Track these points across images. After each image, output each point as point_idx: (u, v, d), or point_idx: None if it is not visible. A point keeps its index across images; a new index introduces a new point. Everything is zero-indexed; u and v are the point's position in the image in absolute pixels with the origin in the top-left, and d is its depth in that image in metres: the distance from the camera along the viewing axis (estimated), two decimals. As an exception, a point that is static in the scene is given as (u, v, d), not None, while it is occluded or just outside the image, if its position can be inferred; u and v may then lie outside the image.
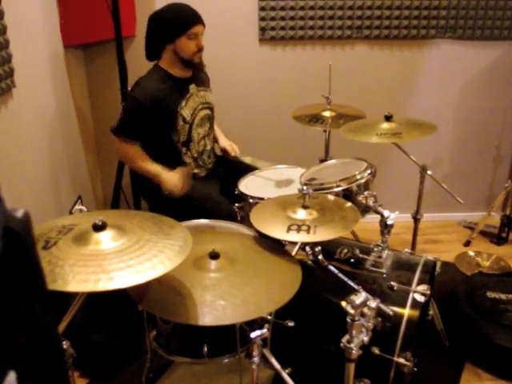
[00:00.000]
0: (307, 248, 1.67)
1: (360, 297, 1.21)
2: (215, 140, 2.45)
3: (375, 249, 1.71)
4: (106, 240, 1.14)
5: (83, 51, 2.74)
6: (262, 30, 2.77)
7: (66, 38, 2.40)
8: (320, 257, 1.64)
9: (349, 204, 1.62)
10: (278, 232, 1.43)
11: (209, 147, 2.31)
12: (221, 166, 2.41)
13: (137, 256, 1.10)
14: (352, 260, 1.72)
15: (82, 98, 2.71)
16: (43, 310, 0.61)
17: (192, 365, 1.75)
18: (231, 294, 1.24)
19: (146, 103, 2.04)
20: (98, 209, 2.90)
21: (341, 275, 1.55)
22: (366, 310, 1.22)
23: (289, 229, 1.43)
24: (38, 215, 1.88)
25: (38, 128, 2.11)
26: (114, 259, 1.08)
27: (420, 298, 1.53)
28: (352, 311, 1.20)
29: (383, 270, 1.65)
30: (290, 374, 1.34)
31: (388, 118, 2.06)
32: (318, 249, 1.64)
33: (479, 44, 2.88)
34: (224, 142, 2.42)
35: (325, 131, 2.54)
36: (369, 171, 1.82)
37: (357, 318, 1.21)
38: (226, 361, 1.38)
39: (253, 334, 1.21)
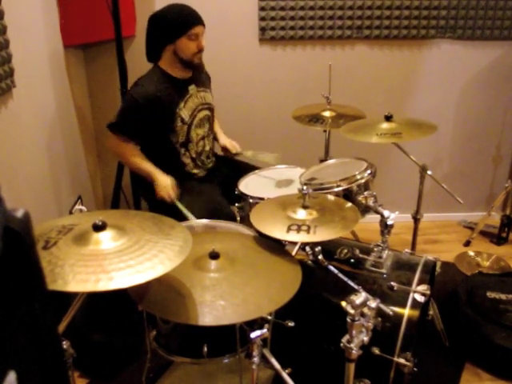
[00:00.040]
0: (307, 248, 1.67)
1: (360, 297, 1.21)
2: (215, 139, 2.45)
3: (375, 249, 1.71)
4: (106, 240, 1.14)
5: (83, 51, 2.74)
6: (262, 30, 2.77)
7: (65, 38, 2.40)
8: (320, 257, 1.64)
9: (349, 204, 1.62)
10: (278, 232, 1.43)
11: (208, 148, 2.31)
12: (221, 166, 2.41)
13: (137, 256, 1.10)
14: (352, 260, 1.72)
15: (82, 98, 2.71)
16: (43, 310, 0.61)
17: (192, 365, 1.75)
18: (231, 293, 1.24)
19: (143, 102, 2.04)
20: (98, 209, 2.90)
21: (341, 275, 1.55)
22: (366, 310, 1.22)
23: (289, 229, 1.43)
24: (38, 215, 1.88)
25: (37, 128, 2.11)
26: (114, 259, 1.08)
27: (420, 298, 1.53)
28: (352, 311, 1.20)
29: (383, 270, 1.65)
30: (290, 374, 1.35)
31: (388, 118, 2.06)
32: (318, 249, 1.64)
33: (479, 44, 2.89)
34: (224, 140, 2.42)
35: (325, 131, 2.54)
36: (369, 171, 1.82)
37: (357, 318, 1.21)
38: (226, 361, 1.38)
39: (253, 334, 1.21)
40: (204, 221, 1.81)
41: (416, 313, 1.51)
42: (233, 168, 2.38)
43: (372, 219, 1.84)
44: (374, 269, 1.66)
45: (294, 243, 1.61)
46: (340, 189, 1.75)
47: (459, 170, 3.17)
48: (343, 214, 1.54)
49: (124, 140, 2.12)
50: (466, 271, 2.64)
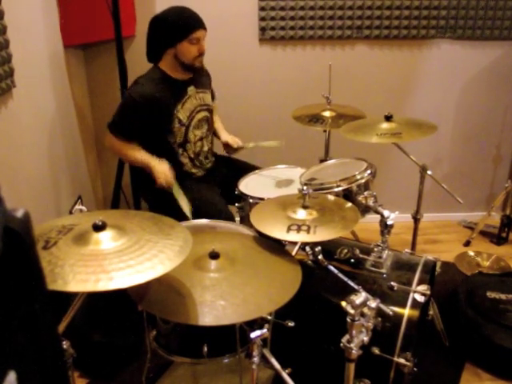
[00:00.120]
0: (307, 248, 1.67)
1: (360, 297, 1.21)
2: (217, 136, 2.45)
3: (375, 249, 1.71)
4: (106, 240, 1.14)
5: (83, 51, 2.74)
6: (262, 30, 2.77)
7: (65, 38, 2.39)
8: (320, 257, 1.64)
9: (349, 204, 1.62)
10: (278, 232, 1.43)
11: (206, 148, 2.31)
12: (221, 166, 2.41)
13: (137, 256, 1.10)
14: (352, 260, 1.72)
15: (82, 98, 2.71)
16: (43, 310, 0.61)
17: (192, 365, 1.75)
18: (231, 294, 1.24)
19: (140, 101, 2.04)
20: (98, 209, 2.90)
21: (341, 275, 1.55)
22: (366, 310, 1.22)
23: (289, 229, 1.43)
24: (38, 215, 1.88)
25: (37, 128, 2.11)
26: (114, 259, 1.08)
27: (420, 298, 1.53)
28: (352, 311, 1.20)
29: (383, 270, 1.65)
30: (290, 374, 1.34)
31: (388, 118, 2.06)
32: (318, 249, 1.64)
33: (479, 44, 2.89)
34: (225, 136, 2.41)
35: (325, 131, 2.54)
36: (369, 171, 1.82)
37: (357, 318, 1.21)
38: (226, 361, 1.38)
39: (253, 334, 1.21)
40: (204, 221, 1.81)
41: (416, 313, 1.51)
42: (233, 168, 2.38)
43: (372, 219, 1.84)
44: (373, 269, 1.66)
45: (294, 243, 1.62)
46: (340, 189, 1.75)
47: (459, 170, 3.17)
48: (343, 213, 1.54)
49: (120, 139, 2.12)
50: (466, 271, 2.64)
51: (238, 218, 2.06)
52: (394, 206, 1.83)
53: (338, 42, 2.84)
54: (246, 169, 2.29)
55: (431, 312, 2.05)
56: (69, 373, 1.29)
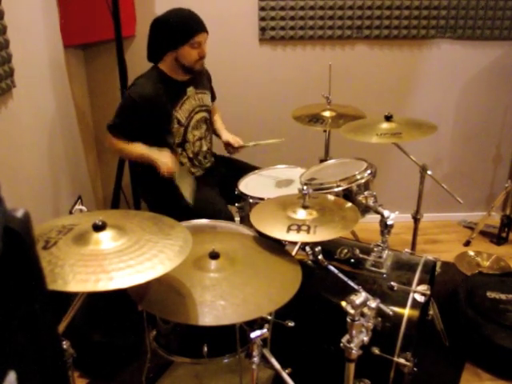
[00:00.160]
0: (307, 248, 1.67)
1: (360, 297, 1.21)
2: (218, 135, 2.45)
3: (375, 249, 1.71)
4: (106, 240, 1.14)
5: (83, 51, 2.74)
6: (262, 30, 2.77)
7: (65, 38, 2.40)
8: (320, 257, 1.64)
9: (349, 204, 1.62)
10: (278, 232, 1.43)
11: (205, 148, 2.31)
12: (220, 166, 2.41)
13: (137, 256, 1.10)
14: (352, 260, 1.72)
15: (82, 98, 2.72)
16: (43, 310, 0.61)
17: (192, 365, 1.75)
18: (231, 293, 1.24)
19: (139, 102, 2.04)
20: (98, 209, 2.90)
21: (341, 275, 1.55)
22: (366, 310, 1.22)
23: (289, 229, 1.43)
24: (37, 215, 1.88)
25: (37, 128, 2.11)
26: (114, 259, 1.08)
27: (420, 298, 1.53)
28: (352, 311, 1.20)
29: (383, 270, 1.65)
30: (290, 374, 1.34)
31: (388, 118, 2.06)
32: (318, 249, 1.64)
33: (479, 44, 2.89)
34: (227, 135, 2.41)
35: (325, 131, 2.54)
36: (369, 171, 1.82)
37: (357, 318, 1.21)
38: (226, 361, 1.38)
39: (253, 334, 1.21)
40: (204, 221, 1.81)
41: (416, 313, 1.51)
42: (232, 168, 2.38)
43: (372, 219, 1.84)
44: (374, 269, 1.66)
45: (294, 243, 1.62)
46: (340, 189, 1.75)
47: (459, 170, 3.17)
48: (343, 213, 1.54)
49: (121, 139, 2.11)
50: (466, 271, 2.64)
51: (237, 218, 2.06)
52: (393, 206, 1.83)
53: (337, 41, 2.84)
54: (246, 169, 2.29)
55: (431, 312, 2.05)
56: (69, 373, 1.29)
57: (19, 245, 0.56)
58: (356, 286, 1.49)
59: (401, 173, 3.04)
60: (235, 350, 1.34)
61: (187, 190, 1.96)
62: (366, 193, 1.78)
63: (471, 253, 2.86)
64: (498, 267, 2.71)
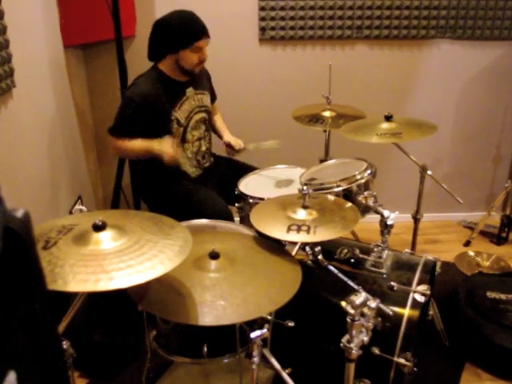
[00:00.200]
0: (307, 248, 1.67)
1: (360, 297, 1.21)
2: (219, 136, 2.45)
3: (375, 249, 1.71)
4: (106, 240, 1.14)
5: (83, 51, 2.74)
6: (262, 30, 2.77)
7: (65, 38, 2.39)
8: (320, 257, 1.64)
9: (349, 204, 1.62)
10: (277, 232, 1.43)
11: (204, 148, 2.31)
12: (219, 166, 2.41)
13: (137, 256, 1.10)
14: (352, 260, 1.72)
15: (82, 98, 2.72)
16: (43, 310, 0.61)
17: (192, 365, 1.75)
18: (231, 294, 1.24)
19: (138, 101, 2.04)
20: (98, 209, 2.90)
21: (341, 275, 1.55)
22: (366, 310, 1.22)
23: (289, 229, 1.43)
24: (37, 215, 1.88)
25: (37, 128, 2.11)
26: (114, 259, 1.08)
27: (420, 298, 1.53)
28: (352, 311, 1.20)
29: (383, 270, 1.65)
30: (290, 374, 1.35)
31: (388, 118, 2.06)
32: (317, 249, 1.64)
33: (479, 44, 2.89)
34: (228, 137, 2.41)
35: (325, 131, 2.54)
36: (369, 171, 1.82)
37: (357, 318, 1.21)
38: (226, 361, 1.38)
39: (253, 334, 1.21)
40: (204, 221, 1.81)
41: (416, 313, 1.51)
42: (232, 168, 2.38)
43: (372, 219, 1.84)
44: (374, 269, 1.66)
45: (294, 243, 1.61)
46: (340, 189, 1.75)
47: (459, 170, 3.17)
48: (343, 213, 1.54)
49: (124, 141, 2.11)
50: (466, 271, 2.64)
51: (237, 218, 2.06)
52: (393, 206, 1.83)
53: (337, 41, 2.84)
54: (246, 169, 2.29)
55: (431, 312, 2.05)
56: (69, 373, 1.29)
57: (19, 245, 0.56)
58: (356, 286, 1.49)
59: (401, 173, 3.04)
60: (235, 350, 1.34)
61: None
62: (365, 193, 1.78)
63: (471, 253, 2.86)
64: (498, 267, 2.71)
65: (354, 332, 1.22)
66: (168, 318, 1.32)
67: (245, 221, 1.93)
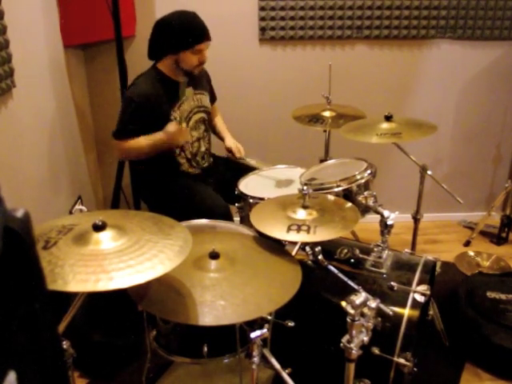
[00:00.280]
0: (307, 248, 1.67)
1: (360, 297, 1.21)
2: (221, 138, 2.45)
3: (375, 249, 1.71)
4: (106, 240, 1.14)
5: (83, 51, 2.74)
6: (262, 30, 2.77)
7: (65, 38, 2.40)
8: (320, 257, 1.64)
9: (349, 204, 1.62)
10: (277, 232, 1.43)
11: (203, 148, 2.31)
12: (218, 166, 2.41)
13: (137, 256, 1.10)
14: (352, 260, 1.72)
15: (82, 98, 2.71)
16: (43, 310, 0.61)
17: (192, 365, 1.75)
18: (231, 294, 1.24)
19: (138, 101, 2.04)
20: (98, 209, 2.90)
21: (341, 275, 1.55)
22: (366, 310, 1.22)
23: (289, 229, 1.43)
24: (38, 215, 1.87)
25: (37, 128, 2.11)
26: (114, 259, 1.08)
27: (420, 298, 1.53)
28: (352, 311, 1.19)
29: (383, 270, 1.65)
30: (290, 374, 1.34)
31: (388, 118, 2.06)
32: (318, 249, 1.64)
33: (479, 44, 2.89)
34: (230, 142, 2.41)
35: (325, 131, 2.54)
36: (369, 171, 1.82)
37: (357, 318, 1.21)
38: (226, 361, 1.38)
39: (253, 334, 1.21)
40: (204, 221, 1.81)
41: (416, 313, 1.51)
42: (232, 168, 2.38)
43: (372, 219, 1.84)
44: (374, 269, 1.66)
45: (294, 243, 1.61)
46: (340, 189, 1.75)
47: (459, 170, 3.17)
48: (343, 214, 1.54)
49: (127, 142, 2.09)
50: (466, 271, 2.64)
51: (237, 218, 2.06)
52: (393, 206, 1.83)
53: (337, 41, 2.84)
54: (246, 169, 2.29)
55: (431, 312, 2.05)
56: (69, 373, 1.29)
57: (19, 245, 0.56)
58: (356, 286, 1.49)
59: (401, 173, 3.04)
60: (235, 350, 1.34)
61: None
62: (365, 193, 1.78)
63: (471, 253, 2.86)
64: (498, 267, 2.70)
65: (353, 332, 1.22)
66: (168, 317, 1.32)
67: (245, 221, 1.94)
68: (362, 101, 2.66)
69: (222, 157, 2.45)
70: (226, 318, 1.18)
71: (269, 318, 1.42)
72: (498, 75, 2.96)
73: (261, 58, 2.85)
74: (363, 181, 1.79)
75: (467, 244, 2.96)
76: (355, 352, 1.23)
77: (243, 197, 1.96)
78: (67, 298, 1.21)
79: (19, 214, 0.57)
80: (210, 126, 2.40)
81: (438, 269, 1.75)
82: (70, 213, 1.91)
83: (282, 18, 2.75)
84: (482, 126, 3.08)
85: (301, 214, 1.50)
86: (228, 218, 2.05)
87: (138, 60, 2.30)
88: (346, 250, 1.75)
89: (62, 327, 1.22)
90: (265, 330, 1.22)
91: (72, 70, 2.52)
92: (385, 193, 2.24)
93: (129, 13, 2.61)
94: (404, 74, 2.95)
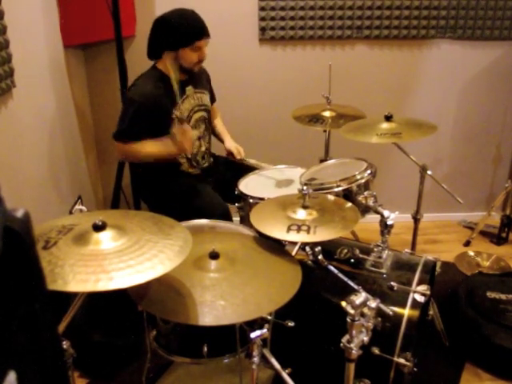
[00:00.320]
0: (307, 248, 1.67)
1: (360, 297, 1.21)
2: (221, 140, 2.45)
3: (375, 249, 1.71)
4: (106, 240, 1.14)
5: (83, 51, 2.74)
6: (262, 30, 2.77)
7: (65, 38, 2.40)
8: (320, 257, 1.64)
9: (349, 204, 1.62)
10: (277, 232, 1.43)
11: (203, 148, 2.31)
12: (218, 166, 2.41)
13: (137, 256, 1.10)
14: (352, 260, 1.72)
15: (82, 98, 2.72)
16: (43, 310, 0.61)
17: (192, 365, 1.75)
18: (231, 293, 1.24)
19: (141, 101, 2.04)
20: (98, 209, 2.90)
21: (341, 275, 1.55)
22: (366, 310, 1.22)
23: (289, 229, 1.43)
24: (38, 215, 1.87)
25: (37, 128, 2.11)
26: (114, 259, 1.08)
27: (420, 298, 1.53)
28: (352, 311, 1.20)
29: (383, 270, 1.65)
30: (290, 374, 1.35)
31: (388, 118, 2.06)
32: (318, 249, 1.64)
33: (479, 44, 2.89)
34: (230, 144, 2.41)
35: (325, 131, 2.54)
36: (369, 171, 1.82)
37: (357, 318, 1.21)
38: (226, 361, 1.38)
39: (253, 334, 1.21)
40: (204, 221, 1.81)
41: (416, 313, 1.51)
42: (232, 168, 2.38)
43: (372, 219, 1.84)
44: (374, 269, 1.66)
45: (294, 243, 1.61)
46: (340, 189, 1.75)
47: (459, 170, 3.17)
48: (343, 213, 1.54)
49: (132, 143, 2.09)
50: (466, 271, 2.64)
51: (237, 218, 2.06)
52: (393, 206, 1.83)
53: (337, 41, 2.84)
54: (246, 169, 2.29)
55: (431, 312, 2.05)
56: (69, 373, 1.29)
57: (19, 245, 0.56)
58: (356, 286, 1.49)
59: (401, 173, 3.04)
60: (235, 350, 1.34)
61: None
62: (365, 193, 1.78)
63: (471, 253, 2.86)
64: (498, 267, 2.70)
65: (353, 332, 1.22)
66: (168, 317, 1.32)
67: (245, 221, 1.93)
68: (362, 101, 2.66)
69: (222, 157, 2.45)
70: (226, 318, 1.18)
71: (269, 317, 1.42)
72: (498, 75, 2.96)
73: (261, 58, 2.85)
74: (363, 181, 1.79)
75: (467, 244, 2.96)
76: (355, 352, 1.23)
77: (243, 197, 1.96)
78: (67, 297, 1.21)
79: (19, 214, 0.57)
80: (210, 126, 2.40)
81: (438, 269, 1.75)
82: (70, 213, 1.90)
83: (282, 18, 2.75)
84: (481, 126, 3.08)
85: (301, 214, 1.50)
86: (227, 218, 2.05)
87: (138, 60, 2.30)
88: (345, 250, 1.75)
89: (62, 327, 1.21)
90: (265, 330, 1.22)
91: (72, 70, 2.53)
92: (385, 193, 2.24)
93: (129, 13, 2.61)
94: (404, 74, 2.95)
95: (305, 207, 1.52)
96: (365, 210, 1.76)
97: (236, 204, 2.00)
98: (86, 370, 1.94)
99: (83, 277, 1.02)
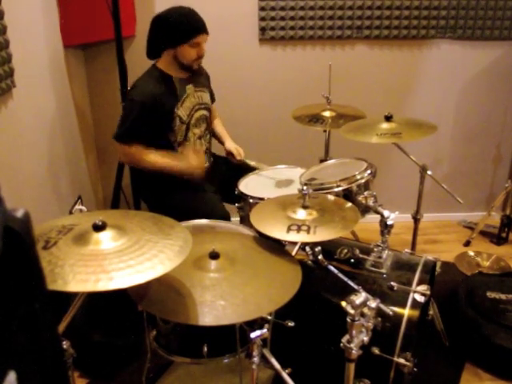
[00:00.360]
0: (307, 248, 1.67)
1: (360, 297, 1.21)
2: (221, 141, 2.45)
3: (375, 249, 1.71)
4: (106, 240, 1.14)
5: (83, 51, 2.74)
6: (262, 29, 2.77)
7: (65, 38, 2.40)
8: (320, 257, 1.64)
9: (349, 204, 1.62)
10: (277, 232, 1.43)
11: (204, 147, 2.31)
12: (219, 165, 2.41)
13: (137, 256, 1.10)
14: (352, 260, 1.72)
15: (82, 98, 2.71)
16: (43, 310, 0.61)
17: (192, 365, 1.75)
18: (231, 294, 1.24)
19: (144, 102, 2.03)
20: (98, 209, 2.90)
21: (341, 275, 1.55)
22: (366, 310, 1.22)
23: (289, 229, 1.43)
24: (38, 215, 1.87)
25: (37, 128, 2.11)
26: (114, 259, 1.08)
27: (420, 298, 1.53)
28: (352, 311, 1.19)
29: (383, 270, 1.65)
30: (290, 374, 1.34)
31: (388, 118, 2.06)
32: (318, 249, 1.64)
33: (479, 44, 2.89)
34: (230, 145, 2.41)
35: (325, 131, 2.54)
36: (369, 171, 1.82)
37: (357, 318, 1.21)
38: (226, 361, 1.38)
39: (253, 334, 1.21)
40: (204, 221, 1.81)
41: (416, 313, 1.51)
42: (232, 168, 2.38)
43: (372, 219, 1.84)
44: (373, 269, 1.66)
45: (294, 243, 1.61)
46: (340, 189, 1.75)
47: (459, 170, 3.17)
48: (343, 214, 1.54)
49: (133, 145, 2.08)
50: (466, 271, 2.64)
51: (237, 218, 2.06)
52: (393, 206, 1.83)
53: (337, 41, 2.84)
54: (247, 169, 2.29)
55: (431, 312, 2.05)
56: (69, 373, 1.29)
57: (19, 245, 0.56)
58: (356, 286, 1.49)
59: (401, 173, 3.04)
60: (235, 350, 1.34)
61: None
62: (365, 193, 1.78)
63: (471, 253, 2.86)
64: (498, 267, 2.71)
65: (354, 332, 1.22)
66: (168, 317, 1.32)
67: (245, 221, 1.93)
68: (362, 101, 2.66)
69: (222, 156, 2.45)
70: (226, 318, 1.18)
71: (269, 317, 1.42)
72: (498, 75, 2.96)
73: (261, 58, 2.85)
74: (363, 181, 1.79)
75: (467, 244, 2.96)
76: (355, 352, 1.23)
77: (243, 197, 1.96)
78: (67, 297, 1.21)
79: (19, 214, 0.57)
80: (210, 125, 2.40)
81: (438, 269, 1.75)
82: (70, 213, 1.90)
83: (282, 18, 2.75)
84: (482, 125, 3.08)
85: (301, 214, 1.50)
86: (226, 217, 2.06)
87: (138, 60, 2.30)
88: (346, 250, 1.75)
89: (62, 327, 1.21)
90: (265, 330, 1.22)
91: (72, 70, 2.52)
92: (385, 193, 2.24)
93: (129, 13, 2.61)
94: (404, 74, 2.95)
95: (305, 207, 1.52)
96: (365, 210, 1.76)
97: (236, 204, 2.00)
98: (86, 370, 1.94)
99: (83, 277, 1.02)
